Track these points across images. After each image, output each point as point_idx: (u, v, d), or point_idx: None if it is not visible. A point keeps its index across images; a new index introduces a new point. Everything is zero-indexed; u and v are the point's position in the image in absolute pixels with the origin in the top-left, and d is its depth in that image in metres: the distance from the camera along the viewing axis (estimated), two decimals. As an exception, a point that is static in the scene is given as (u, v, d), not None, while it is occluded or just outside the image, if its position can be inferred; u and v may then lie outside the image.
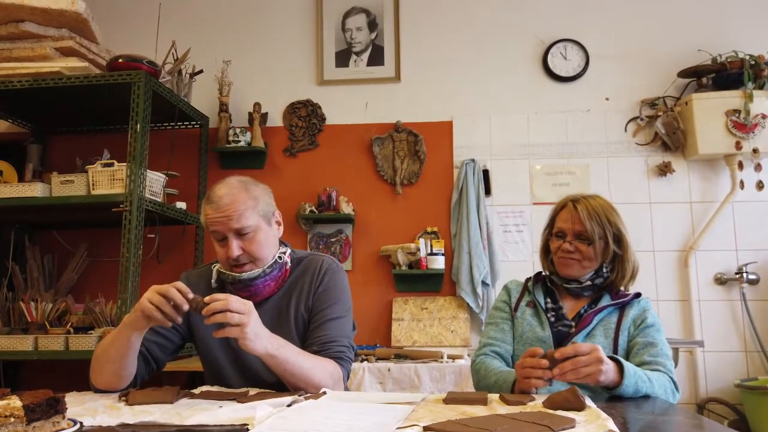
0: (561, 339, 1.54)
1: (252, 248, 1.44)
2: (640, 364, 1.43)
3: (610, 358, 1.29)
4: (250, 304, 1.27)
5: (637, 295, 1.60)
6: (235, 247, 1.42)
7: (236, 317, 1.22)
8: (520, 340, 1.60)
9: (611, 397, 1.32)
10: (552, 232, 1.66)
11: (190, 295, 1.26)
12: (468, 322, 3.16)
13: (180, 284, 1.27)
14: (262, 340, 1.28)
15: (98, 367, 1.39)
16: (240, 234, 1.43)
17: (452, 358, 2.70)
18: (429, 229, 3.28)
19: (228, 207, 1.42)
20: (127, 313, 2.47)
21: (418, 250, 3.16)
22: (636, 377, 1.31)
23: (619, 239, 1.59)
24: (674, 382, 1.41)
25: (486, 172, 3.28)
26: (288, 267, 1.54)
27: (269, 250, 1.49)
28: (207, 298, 1.24)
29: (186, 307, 1.25)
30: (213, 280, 1.54)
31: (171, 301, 1.25)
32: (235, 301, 1.24)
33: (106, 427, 1.00)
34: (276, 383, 1.40)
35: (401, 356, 2.73)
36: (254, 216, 1.45)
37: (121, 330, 1.34)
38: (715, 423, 1.12)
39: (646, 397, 1.32)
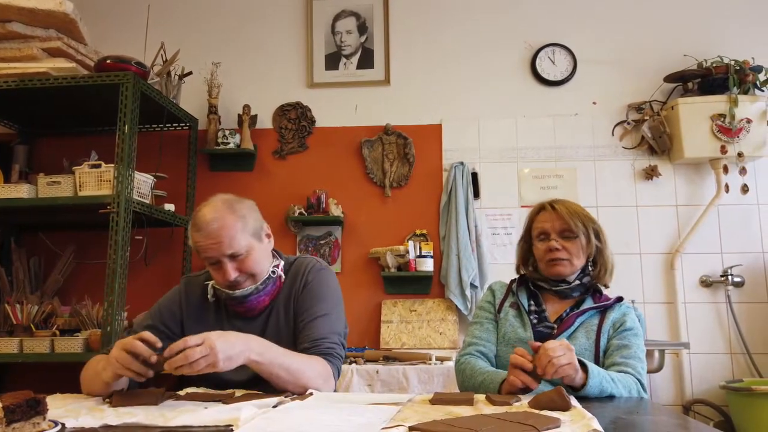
0: (543, 340, 1.53)
1: (247, 267, 1.44)
2: (611, 365, 1.46)
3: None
4: (205, 334, 1.24)
5: (619, 299, 1.63)
6: (231, 270, 1.42)
7: (197, 351, 1.18)
8: (503, 340, 1.61)
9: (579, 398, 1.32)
10: (532, 236, 1.67)
11: (159, 344, 1.25)
12: (456, 324, 3.17)
13: (146, 334, 1.26)
14: (235, 357, 1.24)
15: (86, 387, 1.38)
16: (234, 257, 1.42)
17: (441, 360, 2.70)
18: (418, 232, 3.28)
19: (218, 233, 1.40)
20: (113, 316, 2.49)
21: (407, 252, 3.16)
22: (600, 377, 1.32)
23: (598, 234, 1.65)
24: (641, 384, 1.42)
25: (475, 175, 3.29)
26: (282, 279, 1.56)
27: (264, 265, 1.50)
28: (165, 352, 1.22)
29: (155, 358, 1.23)
30: (210, 295, 1.53)
31: (139, 356, 1.23)
32: (190, 339, 1.21)
33: (89, 429, 1.00)
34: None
35: (390, 358, 2.73)
36: (245, 237, 1.43)
37: (106, 369, 1.29)
38: (700, 423, 1.13)
39: (611, 397, 1.33)
